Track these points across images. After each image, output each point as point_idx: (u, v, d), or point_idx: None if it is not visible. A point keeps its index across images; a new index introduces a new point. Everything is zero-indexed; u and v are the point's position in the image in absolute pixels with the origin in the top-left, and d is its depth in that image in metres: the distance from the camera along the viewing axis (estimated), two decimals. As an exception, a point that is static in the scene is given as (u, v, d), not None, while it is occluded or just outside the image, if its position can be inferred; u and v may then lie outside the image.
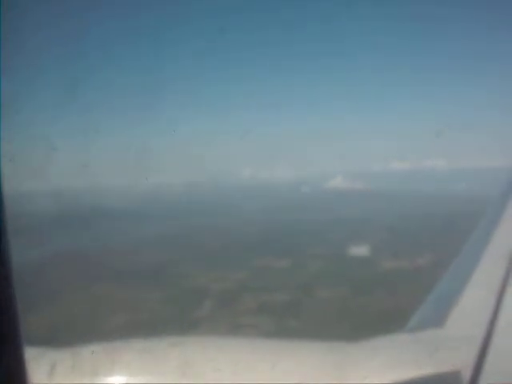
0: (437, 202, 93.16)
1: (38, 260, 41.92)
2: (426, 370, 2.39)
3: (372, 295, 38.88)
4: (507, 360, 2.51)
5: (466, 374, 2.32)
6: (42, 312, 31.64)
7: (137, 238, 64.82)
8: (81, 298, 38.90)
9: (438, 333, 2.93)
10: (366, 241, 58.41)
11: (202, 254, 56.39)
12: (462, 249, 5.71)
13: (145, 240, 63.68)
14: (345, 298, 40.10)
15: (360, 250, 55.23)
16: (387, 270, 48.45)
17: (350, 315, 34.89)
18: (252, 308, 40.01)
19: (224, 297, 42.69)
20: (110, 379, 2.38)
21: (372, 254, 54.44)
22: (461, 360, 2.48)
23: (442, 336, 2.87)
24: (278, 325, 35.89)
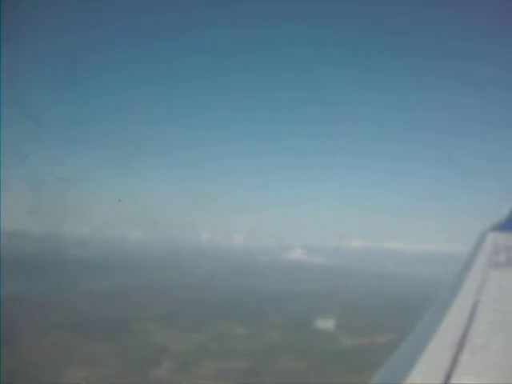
0: (394, 281, 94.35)
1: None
2: None
3: (332, 371, 38.63)
4: None
5: None
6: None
7: (96, 290, 63.67)
8: (36, 347, 37.92)
9: None
10: (325, 315, 58.70)
11: (163, 312, 55.69)
12: (411, 331, 5.55)
13: (104, 292, 62.59)
14: (303, 371, 39.87)
15: (323, 324, 55.44)
16: (347, 346, 48.50)
17: None
18: (211, 373, 39.34)
19: (183, 359, 41.86)
20: None
21: (333, 329, 54.77)
22: None
23: None
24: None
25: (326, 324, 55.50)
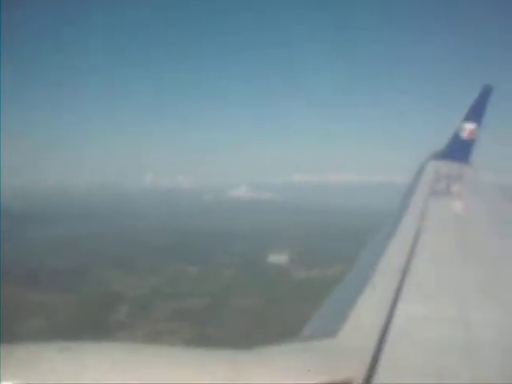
0: (342, 214, 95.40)
1: None
2: (318, 379, 2.42)
3: (287, 303, 39.42)
4: (397, 371, 2.64)
5: (359, 383, 2.44)
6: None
7: (44, 240, 62.91)
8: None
9: (331, 342, 2.97)
10: (275, 250, 59.85)
11: (114, 259, 55.67)
12: (356, 258, 6.03)
13: (53, 242, 61.88)
14: (259, 306, 40.94)
15: (276, 259, 56.44)
16: (300, 279, 49.69)
17: (264, 322, 35.42)
18: (168, 314, 40.20)
19: (139, 303, 42.59)
20: None
21: (286, 263, 55.90)
22: (352, 370, 2.54)
23: (335, 346, 2.93)
24: (194, 331, 36.35)
25: (279, 258, 56.56)
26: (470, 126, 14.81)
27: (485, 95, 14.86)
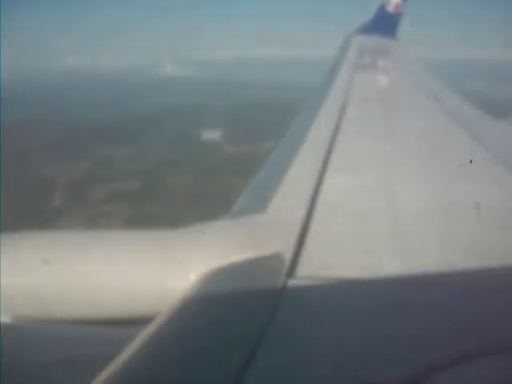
0: (269, 89, 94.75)
1: None
2: (248, 254, 2.49)
3: (219, 178, 40.20)
4: (325, 241, 2.70)
5: (287, 256, 2.47)
6: None
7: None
8: None
9: (260, 218, 2.99)
10: (207, 128, 59.77)
11: (41, 144, 54.06)
12: (284, 133, 5.87)
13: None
14: (192, 183, 41.48)
15: (210, 136, 56.37)
16: (232, 155, 49.98)
17: (200, 199, 35.74)
18: (104, 197, 40.22)
19: (73, 187, 42.25)
20: None
21: (217, 139, 55.96)
22: (281, 243, 2.58)
23: (264, 221, 2.94)
24: (133, 211, 36.85)
25: (212, 135, 56.60)
26: (395, 0, 14.76)
27: None
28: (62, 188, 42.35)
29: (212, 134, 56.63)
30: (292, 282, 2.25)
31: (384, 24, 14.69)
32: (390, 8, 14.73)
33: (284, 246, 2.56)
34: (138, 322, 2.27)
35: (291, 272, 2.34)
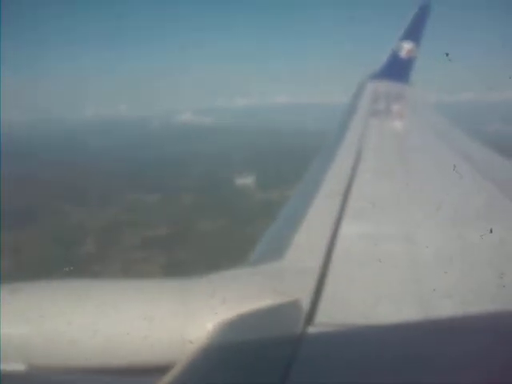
0: (288, 136, 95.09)
1: None
2: (266, 301, 2.48)
3: (254, 223, 39.69)
4: (343, 287, 2.71)
5: (306, 302, 2.48)
6: None
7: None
8: None
9: (278, 265, 2.99)
10: (230, 174, 60.16)
11: (70, 192, 54.63)
12: (302, 180, 5.96)
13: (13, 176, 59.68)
14: (226, 228, 41.45)
15: (244, 181, 56.62)
16: (262, 201, 49.69)
17: (233, 244, 35.82)
18: (136, 243, 40.19)
19: (104, 233, 42.16)
20: None
21: (252, 185, 56.10)
22: (299, 290, 2.59)
23: (281, 268, 2.96)
24: (168, 257, 36.72)
25: (246, 181, 56.81)
26: (408, 45, 14.89)
27: (422, 13, 14.87)
28: (93, 233, 42.30)
29: (248, 180, 56.83)
30: (311, 329, 2.28)
31: (397, 69, 14.86)
32: (403, 53, 14.92)
33: (302, 293, 2.59)
34: (154, 372, 2.23)
35: (310, 319, 2.37)
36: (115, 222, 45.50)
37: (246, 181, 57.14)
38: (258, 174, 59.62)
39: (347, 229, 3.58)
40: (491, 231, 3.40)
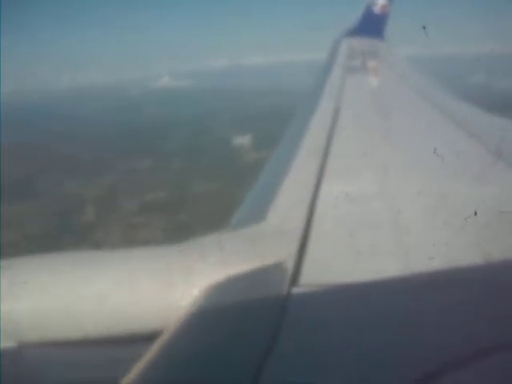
0: (268, 95, 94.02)
1: None
2: (250, 264, 2.49)
3: (248, 183, 39.59)
4: (326, 247, 2.71)
5: (289, 264, 2.48)
6: None
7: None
8: None
9: (260, 228, 2.98)
10: (219, 135, 59.77)
11: (59, 162, 54.07)
12: (280, 138, 5.86)
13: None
14: (222, 188, 41.22)
15: (241, 141, 56.07)
16: (254, 160, 48.72)
17: (232, 204, 35.63)
18: (135, 209, 40.23)
19: (102, 202, 42.17)
20: None
21: (248, 145, 55.59)
22: (283, 252, 2.59)
23: (264, 230, 2.94)
24: (168, 220, 36.87)
25: (243, 140, 56.29)
26: (381, 1, 14.97)
27: None
28: (91, 203, 42.20)
29: (245, 139, 56.26)
30: (296, 290, 2.27)
31: (371, 25, 14.92)
32: (377, 9, 14.99)
33: (286, 255, 2.58)
34: (142, 339, 2.31)
35: (295, 280, 2.36)
36: (111, 189, 45.32)
37: (240, 141, 56.72)
38: (247, 134, 59.06)
39: (328, 188, 3.57)
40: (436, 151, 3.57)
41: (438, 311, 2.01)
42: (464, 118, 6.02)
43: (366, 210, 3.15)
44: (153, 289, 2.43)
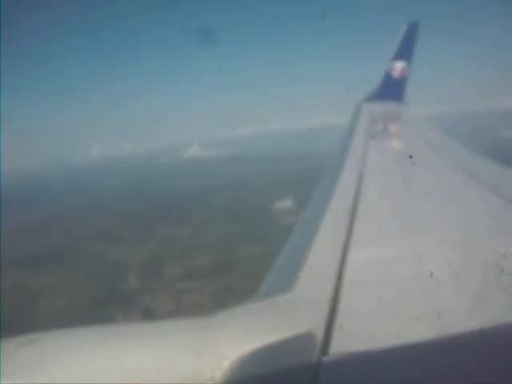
0: (295, 160, 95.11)
1: None
2: (280, 335, 2.47)
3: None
4: (355, 314, 2.73)
5: (319, 333, 2.50)
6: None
7: (20, 224, 60.88)
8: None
9: (288, 297, 2.97)
10: (252, 202, 60.19)
11: (98, 231, 54.68)
12: (307, 206, 5.92)
13: (29, 225, 60.19)
14: (265, 253, 41.07)
15: (283, 206, 56.31)
16: (290, 224, 49.79)
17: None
18: (181, 274, 39.99)
19: (145, 268, 42.11)
20: None
21: (290, 207, 55.83)
22: (312, 321, 2.60)
23: (292, 300, 2.93)
24: (216, 284, 36.51)
25: (285, 205, 56.53)
26: (399, 65, 15.21)
27: (411, 31, 15.14)
28: (134, 269, 42.12)
29: (286, 203, 56.57)
30: (326, 359, 2.28)
31: (391, 89, 15.12)
32: (396, 73, 15.18)
33: (315, 324, 2.58)
34: None
35: (325, 349, 2.37)
36: (154, 256, 45.35)
37: (277, 205, 57.07)
38: (282, 198, 59.22)
39: (355, 255, 3.56)
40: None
41: (472, 377, 2.00)
42: (493, 179, 5.85)
43: (395, 276, 3.18)
44: (182, 363, 2.35)
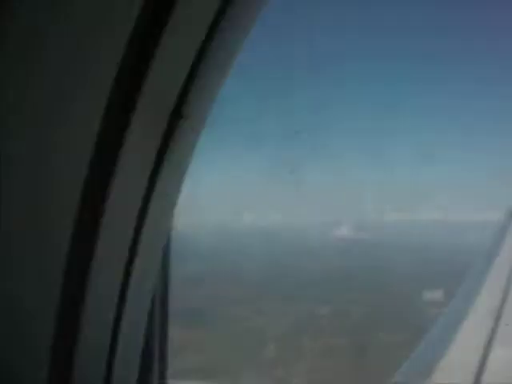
0: (449, 252, 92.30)
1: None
2: None
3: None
4: None
5: None
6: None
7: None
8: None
9: None
10: (397, 289, 58.58)
11: (239, 299, 56.29)
12: (451, 302, 5.63)
13: (180, 281, 63.48)
14: (408, 342, 39.91)
15: (432, 296, 55.01)
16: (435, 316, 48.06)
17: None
18: (319, 351, 39.60)
19: (285, 340, 42.39)
20: None
21: (441, 299, 54.26)
22: None
23: None
24: (354, 367, 35.92)
25: (435, 295, 55.02)
26: None
27: None
28: (273, 339, 42.56)
29: (437, 294, 55.01)
30: None
31: None
32: None
33: None
34: None
35: None
36: (293, 330, 45.48)
37: (438, 295, 55.11)
38: (430, 289, 57.07)
39: (498, 352, 3.36)
40: None
41: None
42: None
43: None
44: None
